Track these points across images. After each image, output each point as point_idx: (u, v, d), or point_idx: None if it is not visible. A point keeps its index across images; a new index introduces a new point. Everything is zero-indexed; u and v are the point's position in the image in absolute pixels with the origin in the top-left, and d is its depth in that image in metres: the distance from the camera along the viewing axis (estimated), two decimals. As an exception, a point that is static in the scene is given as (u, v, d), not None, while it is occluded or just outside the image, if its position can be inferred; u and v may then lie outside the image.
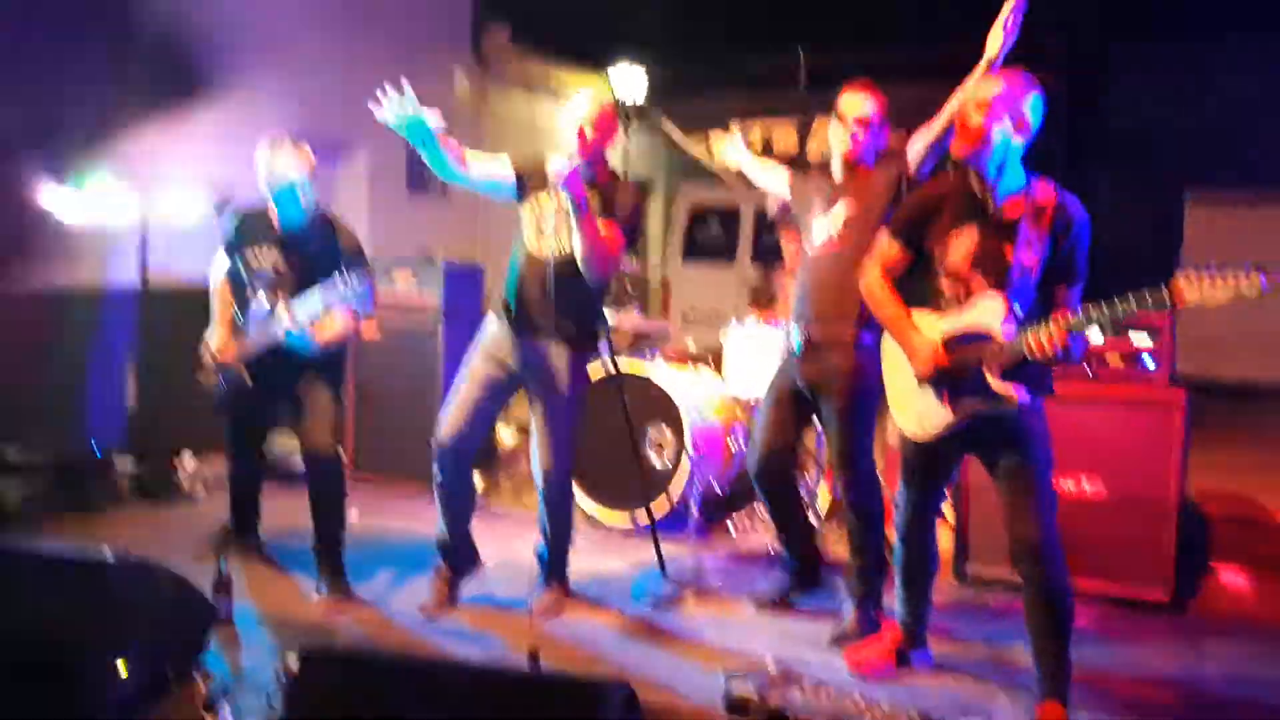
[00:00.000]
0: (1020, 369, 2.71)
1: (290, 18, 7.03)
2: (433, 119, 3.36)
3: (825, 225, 3.52)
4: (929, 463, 3.03)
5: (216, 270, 4.12)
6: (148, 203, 5.47)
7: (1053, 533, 2.76)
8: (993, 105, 2.73)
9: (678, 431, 4.75)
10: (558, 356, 3.57)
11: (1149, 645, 3.53)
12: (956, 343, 2.80)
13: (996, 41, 3.23)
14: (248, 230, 4.00)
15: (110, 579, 2.95)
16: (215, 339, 4.00)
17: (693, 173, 10.21)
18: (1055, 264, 2.74)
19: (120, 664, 2.75)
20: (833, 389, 3.47)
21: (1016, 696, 3.05)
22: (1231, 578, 4.07)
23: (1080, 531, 3.84)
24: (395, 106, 3.36)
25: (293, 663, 2.85)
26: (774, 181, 3.86)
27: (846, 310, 3.41)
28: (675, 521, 4.74)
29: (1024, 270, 2.71)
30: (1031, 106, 2.78)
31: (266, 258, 3.90)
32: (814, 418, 3.66)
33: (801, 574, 3.83)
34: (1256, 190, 11.33)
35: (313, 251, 3.85)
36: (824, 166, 3.62)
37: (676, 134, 8.08)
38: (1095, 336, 2.74)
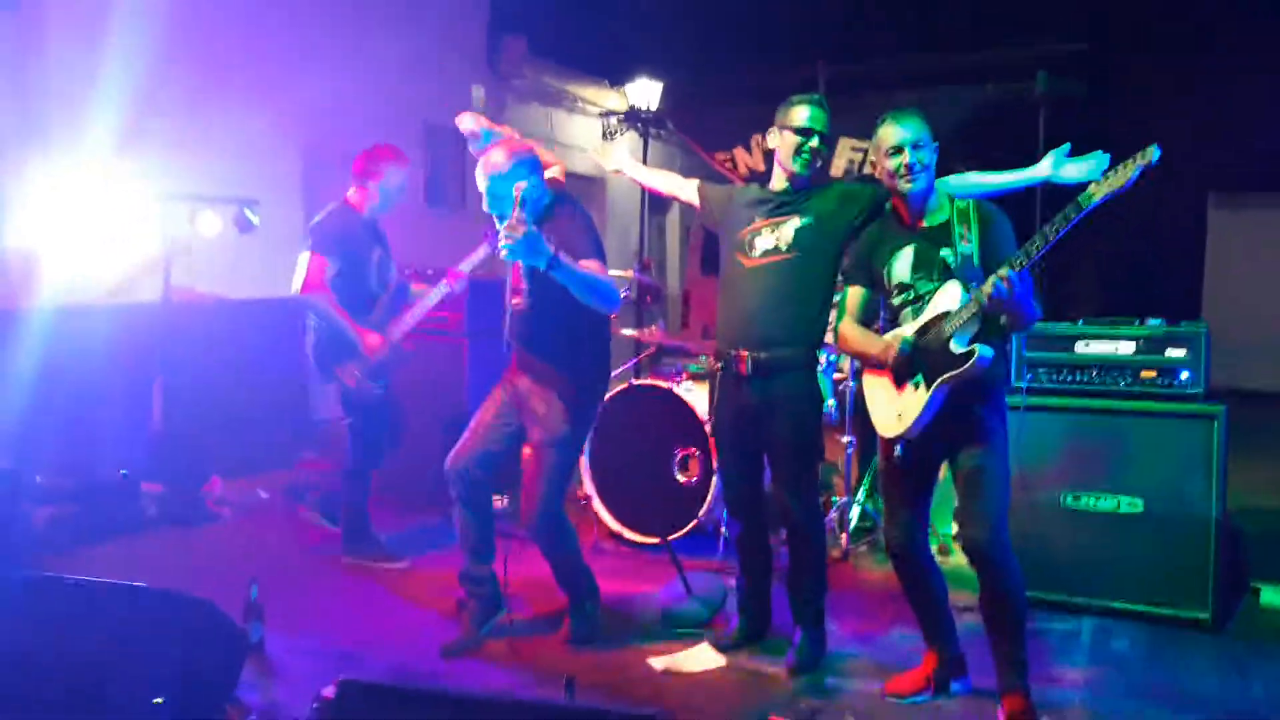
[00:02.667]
0: (982, 335, 2.88)
1: (306, 31, 7.04)
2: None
3: (770, 238, 3.39)
4: (911, 473, 3.11)
5: (315, 277, 4.28)
6: (170, 216, 5.48)
7: (1003, 534, 2.92)
8: (915, 144, 2.97)
9: (705, 449, 4.71)
10: (542, 401, 3.48)
11: (1190, 666, 3.47)
12: (925, 328, 2.98)
13: (1078, 177, 3.13)
14: (357, 228, 4.39)
15: (141, 607, 2.93)
16: (368, 341, 4.30)
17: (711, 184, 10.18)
18: (988, 249, 2.96)
19: (154, 697, 2.73)
20: (783, 410, 3.38)
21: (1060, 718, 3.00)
22: (1273, 595, 3.99)
23: (1119, 549, 3.81)
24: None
25: (329, 693, 2.84)
26: (682, 191, 3.76)
27: (798, 330, 3.36)
28: (705, 542, 4.70)
29: (964, 259, 2.94)
30: (927, 129, 3.01)
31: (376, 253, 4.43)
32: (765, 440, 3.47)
33: (753, 622, 3.67)
34: (1273, 193, 11.25)
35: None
36: (754, 178, 3.60)
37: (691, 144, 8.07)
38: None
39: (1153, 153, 2.53)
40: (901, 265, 3.06)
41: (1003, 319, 2.88)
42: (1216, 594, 3.71)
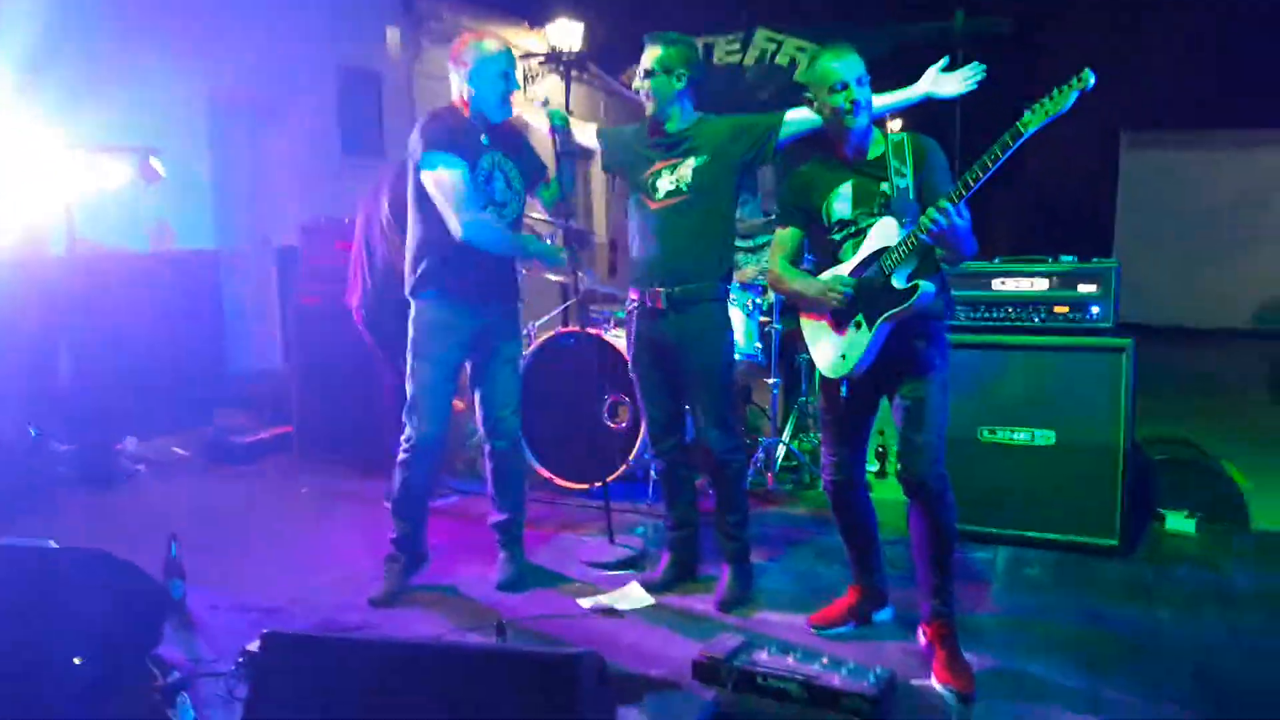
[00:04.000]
0: (921, 270, 2.90)
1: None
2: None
3: (667, 179, 3.45)
4: (852, 410, 3.13)
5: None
6: (73, 166, 5.24)
7: (941, 466, 2.96)
8: (859, 80, 2.96)
9: (634, 395, 4.72)
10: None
11: (1099, 589, 3.62)
12: (862, 266, 2.98)
13: (952, 90, 3.29)
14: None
15: (60, 568, 2.86)
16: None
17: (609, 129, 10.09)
18: (925, 181, 2.95)
19: (73, 656, 2.68)
20: (698, 344, 3.47)
21: (979, 647, 3.11)
22: (1178, 522, 4.18)
23: (1032, 480, 3.95)
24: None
25: (254, 646, 2.81)
26: (583, 136, 3.75)
27: (707, 265, 3.46)
28: (635, 487, 4.74)
29: (900, 191, 2.94)
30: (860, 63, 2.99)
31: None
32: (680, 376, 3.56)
33: (680, 561, 3.72)
34: (1190, 131, 11.55)
35: None
36: (646, 122, 3.55)
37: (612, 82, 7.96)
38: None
39: (1088, 77, 2.51)
40: (841, 202, 3.04)
41: (939, 252, 2.86)
42: (1124, 521, 3.87)
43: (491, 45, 3.50)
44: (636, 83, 3.51)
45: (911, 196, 2.93)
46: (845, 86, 2.95)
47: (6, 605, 2.71)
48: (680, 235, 3.43)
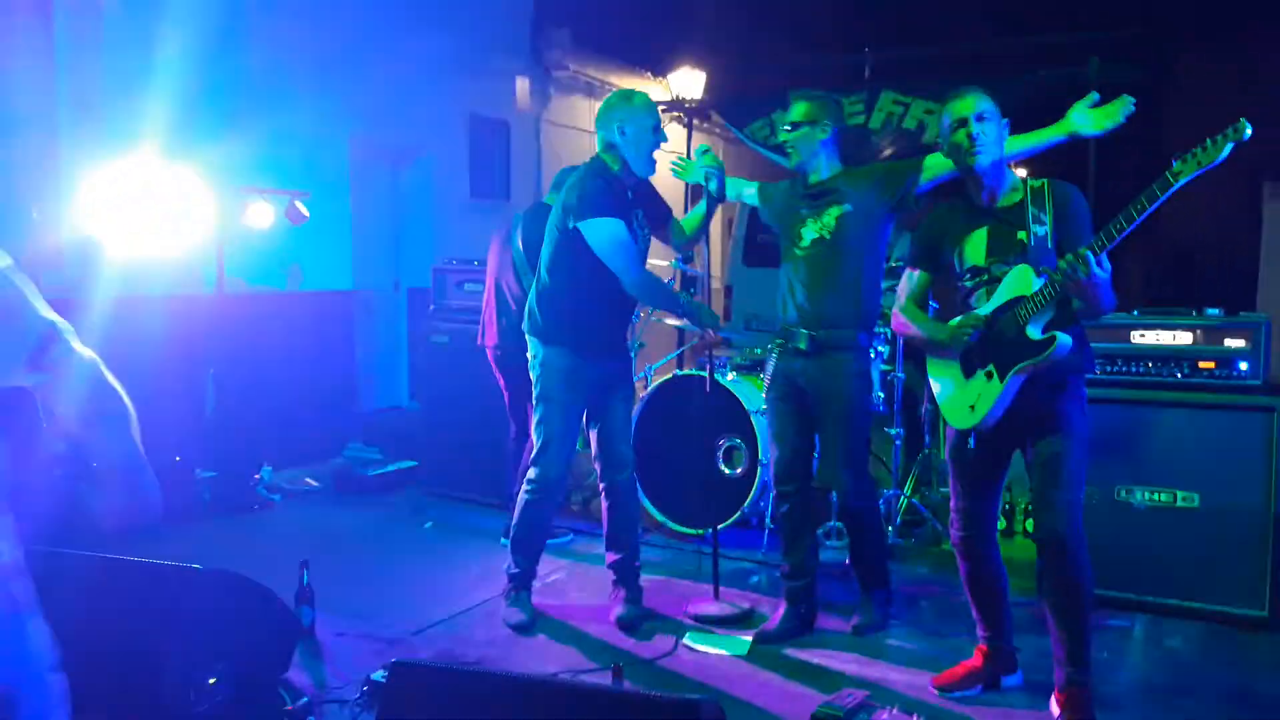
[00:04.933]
0: (1057, 322, 2.80)
1: (356, 23, 7.11)
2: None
3: (815, 228, 3.54)
4: (979, 463, 3.04)
5: None
6: (223, 207, 5.56)
7: (1077, 526, 2.85)
8: (979, 116, 2.90)
9: (749, 440, 4.70)
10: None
11: (1246, 664, 3.40)
12: (996, 315, 2.89)
13: (1100, 124, 3.14)
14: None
15: (198, 588, 2.98)
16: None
17: (755, 174, 10.14)
18: (1064, 232, 2.85)
19: (208, 677, 2.78)
20: (835, 388, 3.51)
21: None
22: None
23: (1175, 545, 3.74)
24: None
25: (379, 675, 2.88)
26: (745, 195, 3.88)
27: (848, 312, 3.51)
28: (748, 535, 4.69)
29: (1038, 240, 2.84)
30: (990, 102, 2.93)
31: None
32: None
33: (798, 613, 3.66)
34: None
35: None
36: (797, 177, 3.64)
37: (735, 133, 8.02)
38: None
39: (1244, 128, 2.41)
40: (975, 248, 2.97)
41: (1076, 303, 2.78)
42: (1274, 591, 3.63)
43: (643, 100, 3.60)
44: (782, 134, 3.61)
45: (1050, 245, 2.83)
46: (965, 123, 2.91)
47: (149, 621, 2.84)
48: (823, 281, 3.52)
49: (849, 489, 3.54)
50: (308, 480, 5.82)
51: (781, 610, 3.69)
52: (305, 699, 2.96)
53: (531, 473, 3.68)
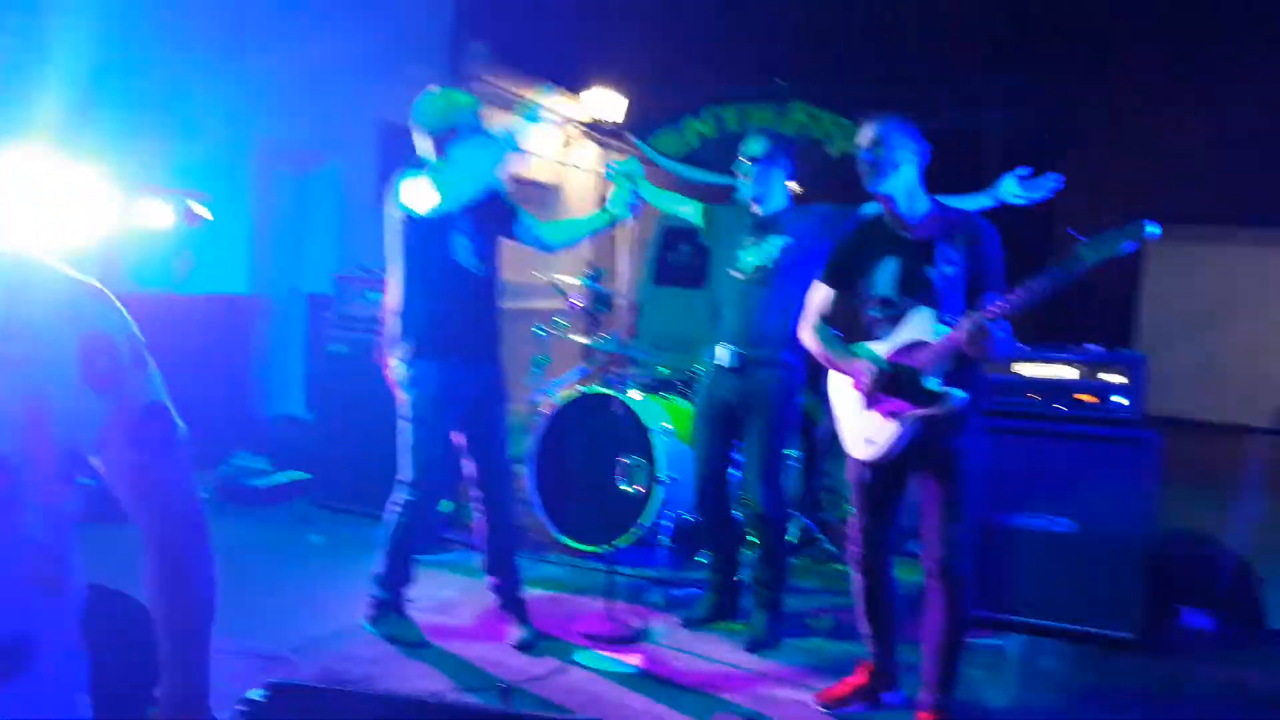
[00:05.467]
0: (956, 376, 2.86)
1: (264, 20, 6.94)
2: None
3: (756, 255, 3.72)
4: (878, 488, 3.11)
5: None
6: (116, 207, 5.36)
7: (967, 561, 2.95)
8: (887, 138, 2.93)
9: (649, 458, 4.72)
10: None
11: (1114, 684, 3.54)
12: (895, 356, 2.95)
13: (1027, 196, 3.36)
14: None
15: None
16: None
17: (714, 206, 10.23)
18: (973, 274, 2.91)
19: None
20: (761, 404, 3.68)
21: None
22: (1195, 618, 4.10)
23: (1051, 569, 3.89)
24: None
25: (256, 694, 2.79)
26: (684, 212, 4.07)
27: (779, 336, 3.65)
28: (647, 552, 4.70)
29: (946, 282, 2.88)
30: (916, 139, 2.98)
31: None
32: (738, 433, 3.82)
33: (720, 601, 3.96)
34: (1216, 227, 11.58)
35: None
36: (746, 203, 3.78)
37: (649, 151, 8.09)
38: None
39: (1147, 229, 2.53)
40: (885, 278, 3.00)
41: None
42: (1143, 615, 3.80)
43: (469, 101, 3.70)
44: (740, 166, 3.75)
45: (959, 289, 2.88)
46: (867, 147, 2.96)
47: None
48: (760, 305, 3.70)
49: (763, 499, 3.69)
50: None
51: (702, 596, 4.01)
52: None
53: (402, 492, 3.59)
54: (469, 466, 3.73)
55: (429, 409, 3.54)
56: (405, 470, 3.60)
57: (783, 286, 3.67)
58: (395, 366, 3.61)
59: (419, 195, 3.41)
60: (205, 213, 5.67)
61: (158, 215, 5.63)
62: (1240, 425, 10.84)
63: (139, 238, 5.64)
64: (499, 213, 3.69)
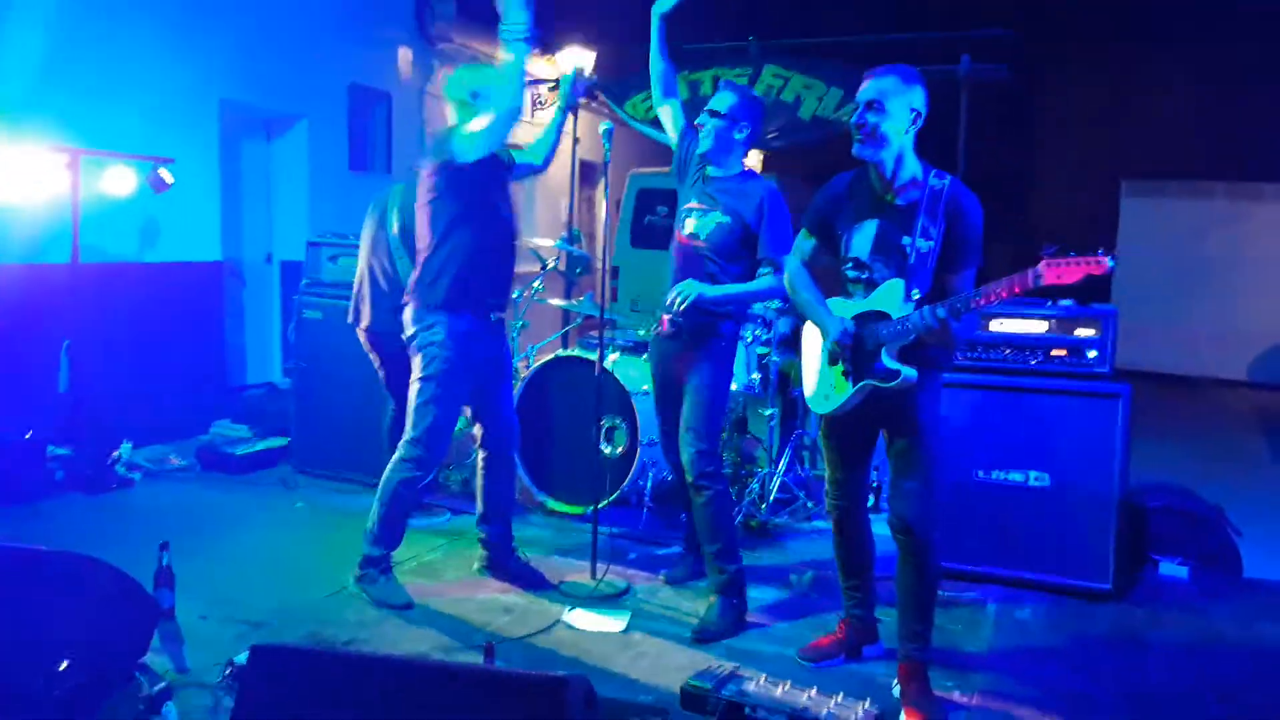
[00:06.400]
0: (915, 349, 2.90)
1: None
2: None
3: (691, 222, 3.64)
4: (843, 441, 3.17)
5: None
6: (80, 174, 5.27)
7: (932, 512, 2.97)
8: (883, 103, 2.86)
9: (630, 421, 4.73)
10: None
11: (1090, 635, 3.61)
12: (861, 321, 2.97)
13: None
14: None
15: (45, 572, 2.84)
16: None
17: (640, 156, 10.17)
18: (949, 249, 2.89)
19: (59, 662, 2.66)
20: (694, 365, 3.61)
21: (968, 688, 3.11)
22: (1171, 569, 4.18)
23: (1026, 522, 3.95)
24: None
25: (242, 658, 2.79)
26: (667, 127, 3.92)
27: (713, 308, 3.57)
28: (630, 513, 4.73)
29: (920, 256, 2.88)
30: (918, 99, 2.91)
31: None
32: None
33: (699, 560, 3.91)
34: (1189, 181, 11.67)
35: None
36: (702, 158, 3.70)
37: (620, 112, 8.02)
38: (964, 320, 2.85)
39: (1106, 262, 2.57)
40: (861, 241, 2.98)
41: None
42: (1118, 566, 3.87)
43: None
44: (701, 117, 3.64)
45: (930, 264, 2.88)
46: (857, 107, 2.90)
47: (-6, 608, 2.69)
48: (690, 272, 3.60)
49: (691, 458, 3.56)
50: (171, 458, 5.58)
51: (683, 554, 4.05)
52: (164, 683, 2.85)
53: (413, 451, 3.61)
54: (481, 420, 3.81)
55: (456, 367, 3.58)
56: (416, 429, 3.61)
57: (716, 259, 3.59)
58: (417, 325, 3.62)
59: (465, 141, 3.49)
60: (169, 178, 5.59)
61: (121, 182, 5.55)
62: (1214, 379, 11.03)
63: (104, 205, 5.56)
64: (504, 161, 3.77)
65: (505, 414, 3.84)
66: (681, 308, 3.50)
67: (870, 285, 2.98)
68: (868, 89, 2.90)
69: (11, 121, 5.09)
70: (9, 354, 5.17)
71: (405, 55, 9.13)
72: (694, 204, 3.68)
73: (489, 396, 3.78)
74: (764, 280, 3.56)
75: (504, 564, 3.87)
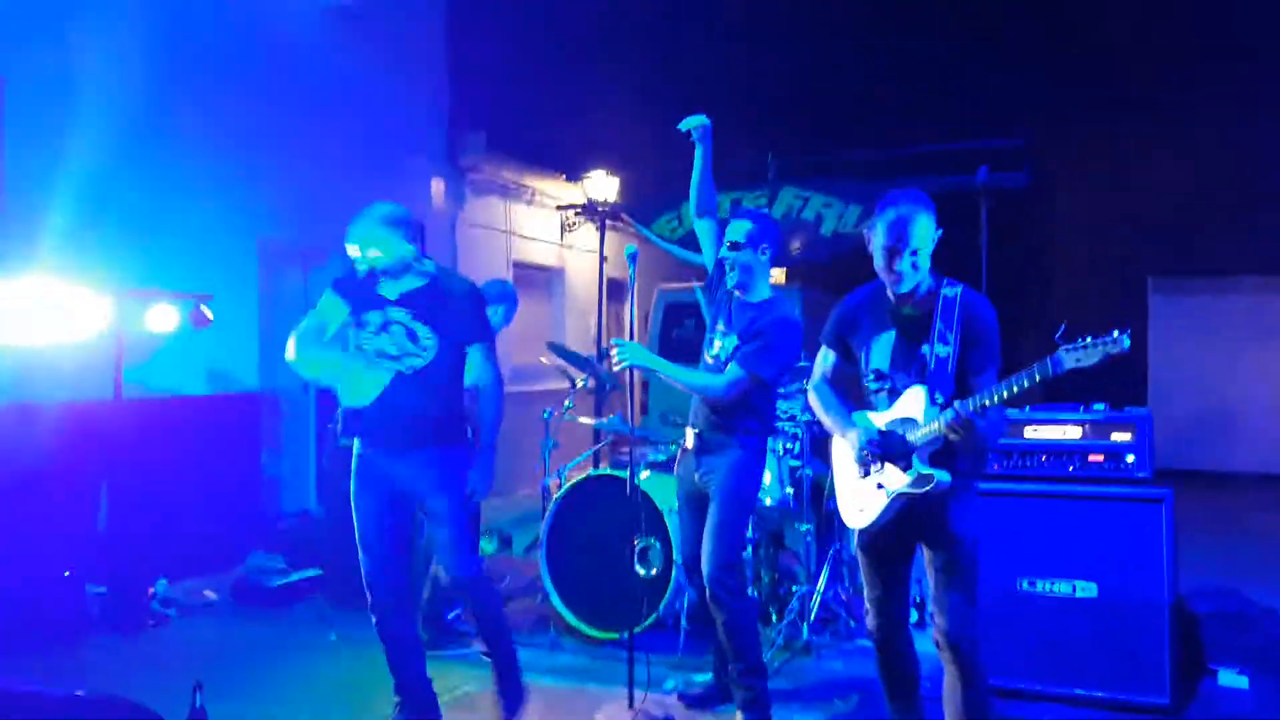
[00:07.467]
0: (946, 459, 2.88)
1: (265, 122, 7.10)
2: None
3: (717, 344, 3.78)
4: (880, 556, 3.12)
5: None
6: (120, 311, 5.43)
7: (970, 628, 2.94)
8: (898, 248, 2.91)
9: (664, 540, 4.68)
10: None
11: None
12: (888, 429, 2.98)
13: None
14: None
15: (82, 716, 2.83)
16: None
17: (667, 273, 10.35)
18: (967, 352, 2.93)
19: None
20: (716, 485, 3.67)
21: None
22: (1230, 678, 4.01)
23: (1075, 634, 3.83)
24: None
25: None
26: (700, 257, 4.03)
27: (737, 418, 3.68)
28: (665, 636, 4.64)
29: (939, 362, 2.91)
30: (927, 228, 2.94)
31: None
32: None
33: (720, 682, 3.86)
34: (1215, 277, 11.66)
35: None
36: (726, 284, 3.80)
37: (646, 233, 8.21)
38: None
39: (1123, 341, 2.56)
40: (880, 353, 3.03)
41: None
42: (1174, 678, 3.73)
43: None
44: (723, 251, 3.74)
45: (950, 369, 2.90)
46: (896, 254, 2.90)
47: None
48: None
49: (708, 575, 3.58)
50: (206, 593, 5.58)
51: (709, 681, 3.94)
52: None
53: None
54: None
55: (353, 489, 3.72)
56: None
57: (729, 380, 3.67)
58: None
59: None
60: (209, 314, 5.74)
61: (164, 319, 5.71)
62: (1255, 474, 10.77)
63: (146, 341, 5.71)
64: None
65: (443, 554, 3.73)
66: (617, 369, 3.66)
67: (893, 394, 3.00)
68: (911, 232, 2.90)
69: (57, 261, 5.29)
70: (50, 491, 5.24)
71: (438, 186, 9.43)
72: (721, 327, 3.80)
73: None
74: (710, 375, 3.70)
75: (506, 684, 3.74)
